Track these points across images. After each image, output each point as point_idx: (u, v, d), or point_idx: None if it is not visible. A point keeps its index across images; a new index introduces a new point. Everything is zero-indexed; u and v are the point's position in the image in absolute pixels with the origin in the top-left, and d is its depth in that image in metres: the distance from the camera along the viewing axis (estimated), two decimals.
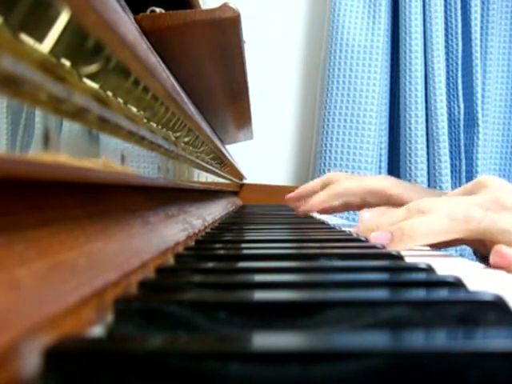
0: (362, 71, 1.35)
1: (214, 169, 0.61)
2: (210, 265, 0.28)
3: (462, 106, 1.36)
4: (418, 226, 0.40)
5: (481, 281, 0.28)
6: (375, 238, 0.41)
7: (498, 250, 0.36)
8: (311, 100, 1.51)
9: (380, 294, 0.20)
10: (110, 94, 0.20)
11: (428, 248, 0.44)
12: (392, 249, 0.39)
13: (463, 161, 1.36)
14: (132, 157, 0.25)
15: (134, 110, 0.24)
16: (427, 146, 1.35)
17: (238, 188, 1.24)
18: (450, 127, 1.37)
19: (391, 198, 0.60)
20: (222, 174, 0.74)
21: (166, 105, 0.30)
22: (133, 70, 0.22)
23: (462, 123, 1.36)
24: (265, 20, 1.50)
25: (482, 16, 1.38)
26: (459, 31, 1.37)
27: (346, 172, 1.32)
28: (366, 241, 0.40)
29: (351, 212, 1.23)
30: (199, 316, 0.18)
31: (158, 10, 0.41)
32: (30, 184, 0.18)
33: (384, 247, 0.35)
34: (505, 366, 0.13)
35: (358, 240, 0.41)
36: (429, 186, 1.33)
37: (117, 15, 0.19)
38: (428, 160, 1.35)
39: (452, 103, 1.37)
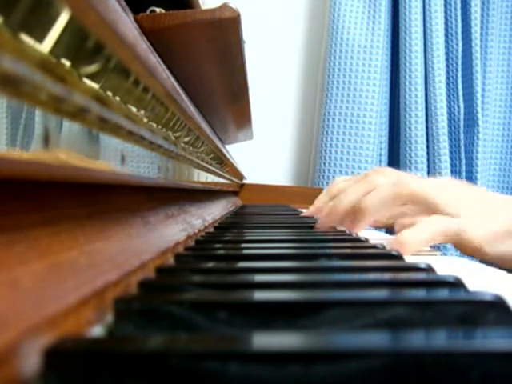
0: (362, 71, 1.35)
1: (214, 169, 0.61)
2: (210, 265, 0.28)
3: (461, 106, 1.36)
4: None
5: (481, 281, 0.28)
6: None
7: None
8: (311, 100, 1.51)
9: (380, 294, 0.20)
10: (110, 93, 0.20)
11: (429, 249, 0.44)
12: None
13: (463, 161, 1.36)
14: (132, 157, 0.25)
15: (134, 110, 0.24)
16: (427, 146, 1.35)
17: (238, 188, 1.24)
18: (450, 127, 1.37)
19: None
20: (222, 174, 0.74)
21: (165, 105, 0.30)
22: (133, 70, 0.22)
23: (462, 123, 1.36)
24: (265, 20, 1.50)
25: (482, 16, 1.38)
26: (459, 31, 1.37)
27: (347, 172, 1.32)
28: (366, 241, 0.40)
29: None
30: (199, 316, 0.18)
31: (158, 9, 0.41)
32: (30, 184, 0.18)
33: (384, 247, 0.35)
34: (505, 365, 0.13)
35: (357, 240, 0.41)
36: None
37: (117, 15, 0.19)
38: (428, 160, 1.35)
39: (452, 103, 1.37)
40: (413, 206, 0.43)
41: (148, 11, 0.41)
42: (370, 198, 0.44)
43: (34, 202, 0.18)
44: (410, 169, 1.33)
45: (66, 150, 0.17)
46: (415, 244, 0.38)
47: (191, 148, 0.43)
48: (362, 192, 0.47)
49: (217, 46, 0.47)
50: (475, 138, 1.35)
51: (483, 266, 0.36)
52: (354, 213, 0.46)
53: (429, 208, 0.42)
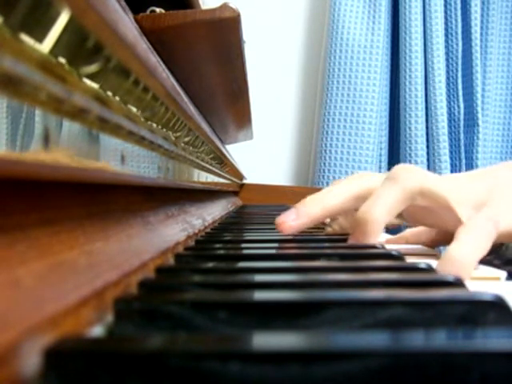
0: (362, 71, 1.35)
1: (214, 169, 0.61)
2: (210, 265, 0.28)
3: (461, 106, 1.36)
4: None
5: (481, 281, 0.28)
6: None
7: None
8: (311, 100, 1.51)
9: (380, 294, 0.20)
10: (110, 93, 0.20)
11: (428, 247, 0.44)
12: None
13: (463, 161, 1.36)
14: (132, 157, 0.25)
15: (134, 110, 0.24)
16: (427, 146, 1.35)
17: (238, 188, 1.24)
18: (450, 127, 1.37)
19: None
20: (222, 174, 0.74)
21: (166, 105, 0.30)
22: (133, 70, 0.22)
23: (462, 123, 1.36)
24: (265, 20, 1.50)
25: (482, 16, 1.38)
26: (459, 31, 1.37)
27: (347, 172, 1.32)
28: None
29: None
30: (199, 316, 0.18)
31: (158, 9, 0.41)
32: (30, 184, 0.18)
33: (383, 247, 0.35)
34: (505, 365, 0.13)
35: None
36: None
37: (117, 15, 0.19)
38: (428, 160, 1.35)
39: (452, 103, 1.37)
40: (422, 202, 0.36)
41: (148, 11, 0.41)
42: (375, 206, 0.37)
43: (34, 201, 0.18)
44: None
45: (66, 149, 0.17)
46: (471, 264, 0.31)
47: (191, 148, 0.43)
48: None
49: (217, 46, 0.47)
50: (475, 137, 1.35)
51: (483, 266, 0.35)
52: (359, 227, 0.37)
53: (442, 205, 0.35)
